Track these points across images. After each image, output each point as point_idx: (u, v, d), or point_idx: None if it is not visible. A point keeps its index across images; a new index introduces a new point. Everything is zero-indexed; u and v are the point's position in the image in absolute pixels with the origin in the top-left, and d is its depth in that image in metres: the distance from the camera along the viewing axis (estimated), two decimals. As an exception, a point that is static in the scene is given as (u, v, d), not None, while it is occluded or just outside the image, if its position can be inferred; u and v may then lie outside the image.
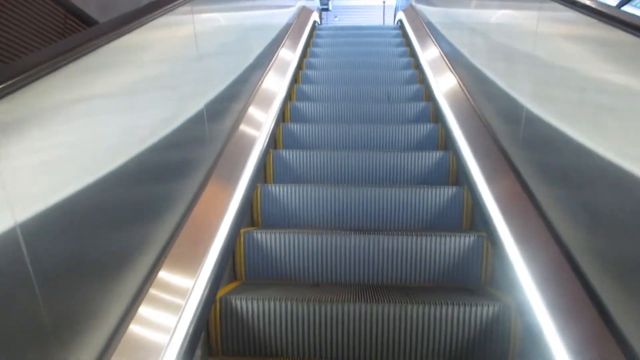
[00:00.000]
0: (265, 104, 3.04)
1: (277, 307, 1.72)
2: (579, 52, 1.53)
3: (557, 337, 1.33)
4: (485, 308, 1.69)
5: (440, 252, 2.07)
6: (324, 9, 11.56)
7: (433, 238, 2.07)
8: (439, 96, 3.29)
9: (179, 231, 1.60)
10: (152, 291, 1.36)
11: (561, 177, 1.57)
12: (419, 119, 3.40)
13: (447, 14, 3.99)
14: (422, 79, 3.97)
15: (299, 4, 5.76)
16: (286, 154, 2.77)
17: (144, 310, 1.31)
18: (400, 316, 1.70)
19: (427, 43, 4.42)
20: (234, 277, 2.13)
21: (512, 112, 2.02)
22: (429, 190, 2.42)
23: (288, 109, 3.48)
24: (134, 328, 1.25)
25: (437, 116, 3.27)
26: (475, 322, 1.69)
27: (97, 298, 1.13)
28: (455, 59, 3.45)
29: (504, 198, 1.96)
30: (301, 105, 3.50)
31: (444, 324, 1.69)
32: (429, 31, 4.63)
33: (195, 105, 1.86)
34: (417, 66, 4.31)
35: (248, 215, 2.40)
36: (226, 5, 2.63)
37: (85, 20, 3.38)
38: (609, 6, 1.35)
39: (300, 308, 1.72)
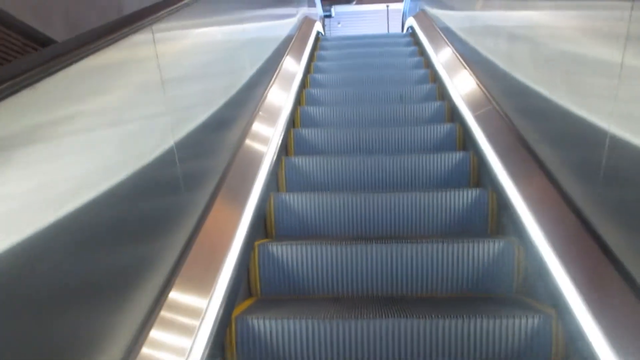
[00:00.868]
0: (262, 140, 2.52)
1: (297, 326, 1.60)
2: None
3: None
4: (523, 320, 1.55)
5: (467, 259, 1.94)
6: (327, 15, 11.51)
7: (459, 245, 1.94)
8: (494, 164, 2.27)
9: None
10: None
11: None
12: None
13: (481, 20, 3.01)
14: (451, 112, 3.23)
15: (301, 14, 5.35)
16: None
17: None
18: (430, 332, 1.57)
19: (454, 64, 3.51)
20: (248, 292, 2.01)
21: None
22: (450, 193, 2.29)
23: (292, 137, 3.00)
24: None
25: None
26: (513, 336, 1.55)
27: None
28: (496, 82, 2.64)
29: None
30: (306, 132, 3.02)
31: (478, 339, 1.56)
32: (451, 43, 3.84)
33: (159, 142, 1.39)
34: (442, 95, 3.54)
35: (262, 226, 2.28)
36: (204, 20, 2.02)
37: (49, 44, 2.70)
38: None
39: (322, 327, 1.59)
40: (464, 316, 1.57)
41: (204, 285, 1.48)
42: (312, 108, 3.40)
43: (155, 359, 1.17)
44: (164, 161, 1.39)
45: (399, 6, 10.82)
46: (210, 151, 1.87)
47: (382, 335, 1.58)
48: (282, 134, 2.82)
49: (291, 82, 3.54)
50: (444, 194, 2.29)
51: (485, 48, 2.83)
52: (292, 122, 3.18)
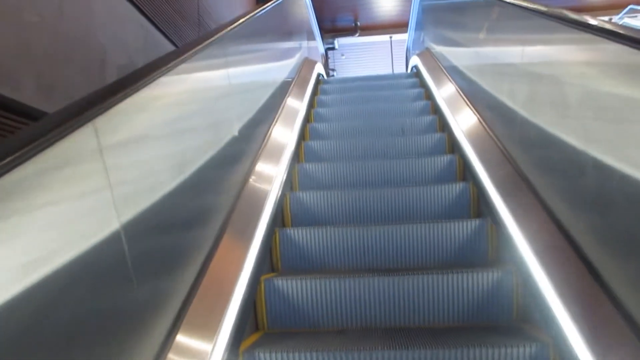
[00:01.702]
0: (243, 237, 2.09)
1: (303, 358, 1.65)
2: None
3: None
4: (521, 349, 1.60)
5: (467, 289, 1.99)
6: (330, 47, 11.76)
7: (459, 275, 1.99)
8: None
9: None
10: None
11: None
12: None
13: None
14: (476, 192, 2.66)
15: (298, 58, 4.88)
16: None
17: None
18: (431, 362, 1.62)
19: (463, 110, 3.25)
20: (255, 326, 2.07)
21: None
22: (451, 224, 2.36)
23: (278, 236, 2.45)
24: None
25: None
26: (512, 364, 1.60)
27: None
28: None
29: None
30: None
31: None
32: (461, 90, 3.48)
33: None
34: (452, 146, 3.26)
35: (268, 261, 2.36)
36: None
37: (20, 111, 2.38)
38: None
39: (327, 358, 1.65)
40: (463, 345, 1.62)
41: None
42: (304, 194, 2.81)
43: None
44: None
45: (402, 37, 11.06)
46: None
47: (385, 366, 1.63)
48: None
49: (281, 153, 2.98)
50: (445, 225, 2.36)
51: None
52: (280, 212, 2.67)
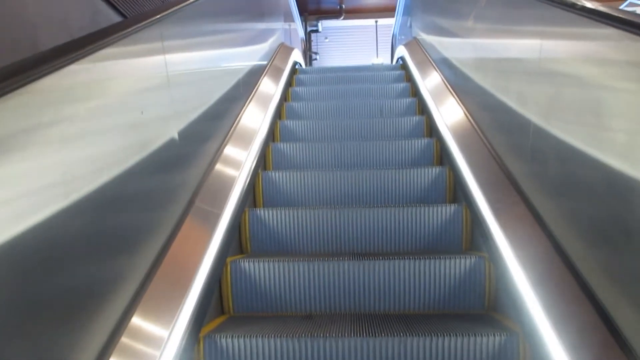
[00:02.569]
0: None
1: (267, 344, 1.58)
2: None
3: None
4: (490, 338, 1.56)
5: (440, 275, 1.94)
6: (313, 30, 11.58)
7: (432, 261, 1.94)
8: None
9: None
10: (125, 340, 1.22)
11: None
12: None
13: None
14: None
15: (271, 42, 4.39)
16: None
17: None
18: (400, 351, 1.56)
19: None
20: (221, 310, 1.99)
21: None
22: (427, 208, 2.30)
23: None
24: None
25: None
26: (481, 353, 1.55)
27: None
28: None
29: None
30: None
31: (448, 357, 1.56)
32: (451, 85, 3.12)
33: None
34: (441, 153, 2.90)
35: (236, 242, 2.27)
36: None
37: None
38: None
39: (291, 344, 1.58)
40: (433, 334, 1.56)
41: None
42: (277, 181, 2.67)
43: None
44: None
45: (388, 21, 10.92)
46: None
47: (352, 354, 1.57)
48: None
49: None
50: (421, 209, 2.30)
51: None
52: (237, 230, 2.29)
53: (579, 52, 1.50)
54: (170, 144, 1.72)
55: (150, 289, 1.42)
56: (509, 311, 1.73)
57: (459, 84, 3.00)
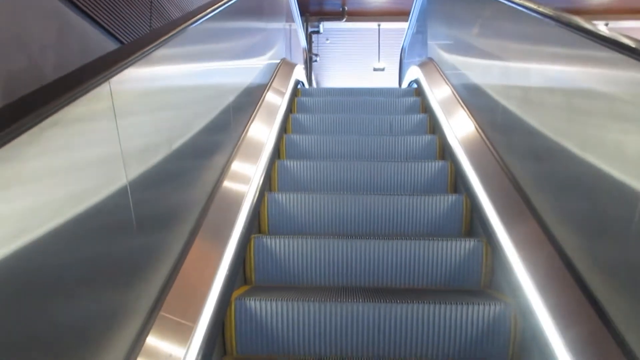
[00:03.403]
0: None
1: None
2: None
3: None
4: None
5: (459, 318, 1.80)
6: (315, 31, 11.42)
7: (454, 306, 1.80)
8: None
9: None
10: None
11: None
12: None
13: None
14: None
15: (269, 57, 3.84)
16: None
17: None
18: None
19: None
20: (223, 351, 1.84)
21: None
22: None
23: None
24: None
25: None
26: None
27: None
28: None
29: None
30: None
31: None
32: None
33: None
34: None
35: (240, 273, 2.12)
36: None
37: None
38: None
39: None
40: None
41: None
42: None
43: None
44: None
45: (392, 25, 10.77)
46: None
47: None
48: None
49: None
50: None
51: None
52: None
53: None
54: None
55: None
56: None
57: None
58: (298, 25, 6.41)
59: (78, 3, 2.75)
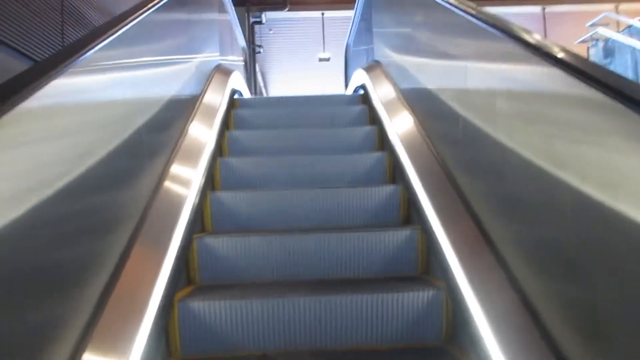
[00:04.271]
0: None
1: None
2: None
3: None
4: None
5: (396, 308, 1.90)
6: (257, 22, 11.26)
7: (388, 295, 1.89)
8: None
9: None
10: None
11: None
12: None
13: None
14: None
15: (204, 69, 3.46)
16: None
17: None
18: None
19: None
20: (169, 353, 1.85)
21: None
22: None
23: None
24: None
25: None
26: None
27: None
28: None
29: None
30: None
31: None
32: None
33: None
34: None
35: (184, 275, 2.13)
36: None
37: None
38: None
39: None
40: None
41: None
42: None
43: None
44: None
45: (336, 14, 10.78)
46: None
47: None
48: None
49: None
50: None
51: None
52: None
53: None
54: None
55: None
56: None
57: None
58: (235, 23, 5.78)
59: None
